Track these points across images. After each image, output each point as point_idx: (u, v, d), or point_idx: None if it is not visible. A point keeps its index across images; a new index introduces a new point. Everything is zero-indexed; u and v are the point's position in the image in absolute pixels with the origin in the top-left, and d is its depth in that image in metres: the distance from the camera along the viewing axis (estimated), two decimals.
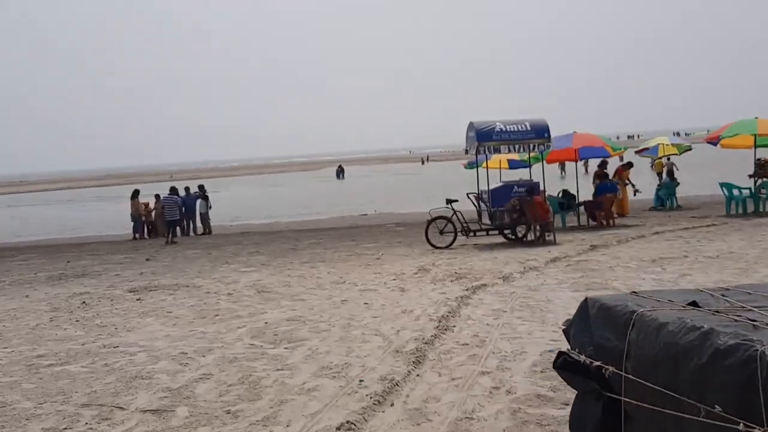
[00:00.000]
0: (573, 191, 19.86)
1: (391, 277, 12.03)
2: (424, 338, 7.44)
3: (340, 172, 77.01)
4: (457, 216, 16.24)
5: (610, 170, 21.08)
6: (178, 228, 26.02)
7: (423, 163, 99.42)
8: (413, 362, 6.52)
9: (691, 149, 24.92)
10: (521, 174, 22.24)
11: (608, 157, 20.41)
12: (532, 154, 20.01)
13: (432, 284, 11.03)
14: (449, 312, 8.71)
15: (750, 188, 19.42)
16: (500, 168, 24.41)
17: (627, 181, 21.34)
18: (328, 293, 10.89)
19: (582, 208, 19.16)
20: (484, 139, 15.88)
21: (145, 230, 26.27)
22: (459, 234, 16.10)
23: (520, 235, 16.29)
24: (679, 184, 23.75)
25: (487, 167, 24.54)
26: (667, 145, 24.07)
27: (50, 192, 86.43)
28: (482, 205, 16.67)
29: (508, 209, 15.89)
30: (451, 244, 15.95)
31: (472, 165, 25.99)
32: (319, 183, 68.72)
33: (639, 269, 11.01)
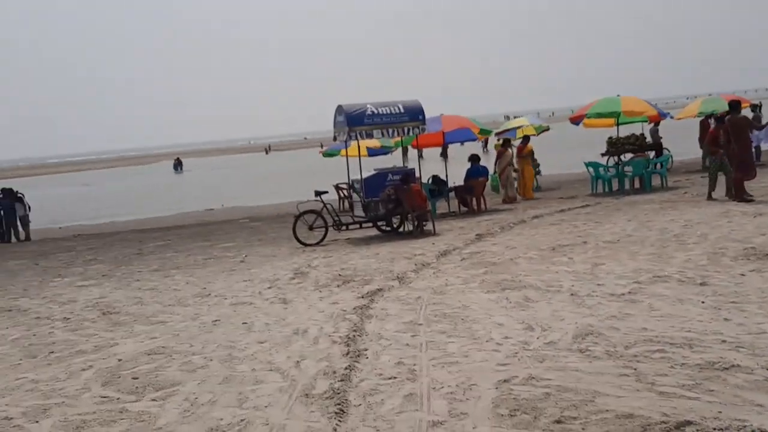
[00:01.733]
0: (442, 176, 18.87)
1: (265, 285, 10.28)
2: (335, 371, 5.84)
3: (177, 165, 73.12)
4: (327, 209, 14.68)
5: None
6: None
7: (266, 152, 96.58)
8: (335, 413, 4.91)
9: (549, 129, 24.84)
10: (383, 161, 21.06)
11: (475, 140, 19.62)
12: (397, 139, 18.88)
13: (317, 291, 9.41)
14: (353, 329, 7.16)
15: (615, 166, 19.30)
16: (359, 156, 23.09)
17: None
18: (192, 311, 8.98)
19: (452, 194, 18.19)
20: (355, 123, 14.40)
21: None
22: (330, 228, 14.57)
23: (395, 226, 15.00)
24: (539, 165, 23.54)
25: (349, 154, 23.28)
26: (526, 126, 23.75)
27: None
28: (354, 195, 15.22)
29: (383, 199, 14.53)
30: (322, 240, 14.39)
31: (332, 152, 24.58)
32: (155, 177, 64.60)
33: (543, 260, 9.97)
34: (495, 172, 19.56)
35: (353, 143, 22.46)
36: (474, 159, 18.15)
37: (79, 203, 40.53)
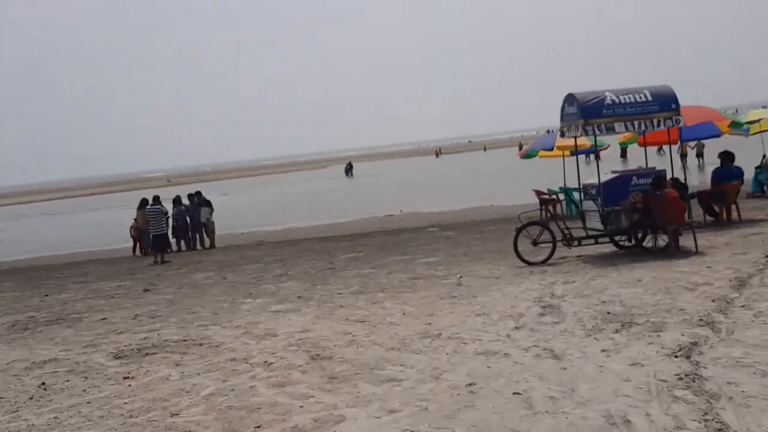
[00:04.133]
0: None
1: (509, 324, 7.91)
2: None
3: (348, 169, 72.94)
4: (556, 221, 12.13)
5: None
6: (181, 242, 22.21)
7: (437, 155, 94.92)
8: None
9: None
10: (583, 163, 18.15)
11: (719, 136, 16.30)
12: (629, 137, 16.04)
13: (592, 339, 6.91)
14: (704, 423, 4.60)
15: None
16: (563, 156, 20.31)
17: None
18: (428, 362, 6.76)
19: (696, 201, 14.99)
20: (592, 114, 11.74)
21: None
22: (558, 244, 12.00)
23: (647, 243, 12.09)
24: None
25: (551, 155, 20.44)
26: (765, 119, 19.80)
27: (36, 204, 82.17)
28: (588, 203, 12.53)
29: (626, 208, 11.76)
30: (548, 259, 11.86)
31: (531, 153, 21.97)
32: (327, 182, 64.63)
33: None
34: None
35: (557, 143, 19.96)
36: (726, 158, 14.89)
37: (260, 208, 40.47)
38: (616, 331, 7.08)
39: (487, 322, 8.08)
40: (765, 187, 19.35)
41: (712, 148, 29.69)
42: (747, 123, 18.92)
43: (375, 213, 29.70)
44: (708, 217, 14.78)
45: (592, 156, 33.19)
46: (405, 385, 6.09)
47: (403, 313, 9.09)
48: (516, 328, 7.70)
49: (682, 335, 6.63)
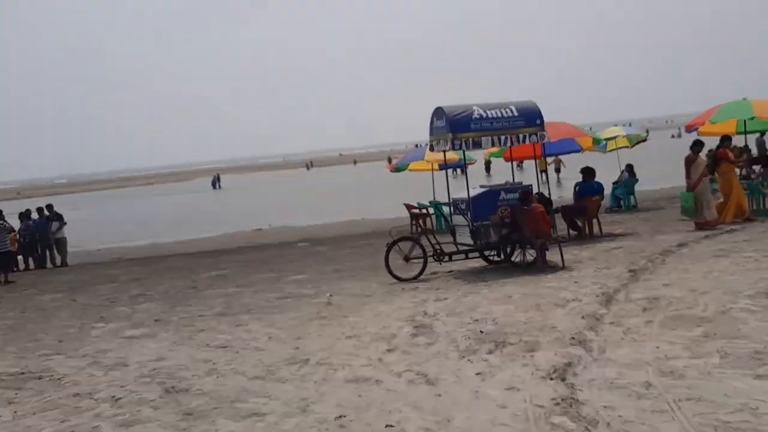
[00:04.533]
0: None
1: (381, 346, 7.54)
2: None
3: (216, 181, 71.02)
4: (427, 235, 11.95)
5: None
6: (29, 260, 20.54)
7: (308, 168, 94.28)
8: None
9: (646, 140, 21.98)
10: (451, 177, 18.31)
11: (580, 151, 16.79)
12: (495, 150, 16.19)
13: (466, 362, 6.64)
14: None
15: (750, 183, 16.22)
16: (432, 170, 20.39)
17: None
18: (295, 392, 6.26)
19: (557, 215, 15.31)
20: (460, 129, 11.65)
21: None
22: (429, 259, 11.83)
23: (515, 258, 12.14)
24: (638, 180, 20.67)
25: (420, 168, 20.49)
26: (621, 137, 20.82)
27: None
28: (457, 218, 12.43)
29: (495, 223, 11.76)
30: (420, 274, 11.66)
31: (401, 167, 21.91)
32: (193, 195, 62.58)
33: None
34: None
35: (426, 156, 20.01)
36: (587, 173, 15.33)
37: (119, 223, 38.41)
38: (490, 352, 6.86)
39: (359, 345, 7.68)
40: (622, 202, 20.25)
41: (570, 165, 31.16)
42: (604, 140, 19.80)
43: (242, 227, 28.77)
44: (572, 232, 15.13)
45: (459, 170, 34.16)
46: (269, 420, 5.57)
47: (269, 337, 8.53)
48: (388, 350, 7.35)
49: (556, 355, 6.49)
